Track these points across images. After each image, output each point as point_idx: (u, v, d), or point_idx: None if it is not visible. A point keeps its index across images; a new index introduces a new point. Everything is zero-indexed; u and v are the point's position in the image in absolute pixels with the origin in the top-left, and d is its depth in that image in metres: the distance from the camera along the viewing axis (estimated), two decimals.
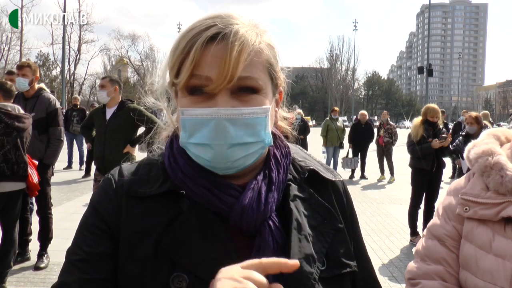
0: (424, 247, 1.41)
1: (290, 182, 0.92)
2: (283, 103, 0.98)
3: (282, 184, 0.90)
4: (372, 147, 12.84)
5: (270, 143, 0.87)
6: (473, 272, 1.28)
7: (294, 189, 0.91)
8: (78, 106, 12.83)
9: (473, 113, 6.60)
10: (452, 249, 1.36)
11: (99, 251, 0.85)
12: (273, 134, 0.93)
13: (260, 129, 0.83)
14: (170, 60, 0.86)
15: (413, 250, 4.89)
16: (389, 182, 11.84)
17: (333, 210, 0.94)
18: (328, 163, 12.04)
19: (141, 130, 5.14)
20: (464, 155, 1.48)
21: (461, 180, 1.48)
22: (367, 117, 12.83)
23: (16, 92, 5.05)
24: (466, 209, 1.34)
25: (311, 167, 0.97)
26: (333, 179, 1.00)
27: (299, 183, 0.93)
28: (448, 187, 1.53)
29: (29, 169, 4.25)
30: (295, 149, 1.01)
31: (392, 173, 12.00)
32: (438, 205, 1.50)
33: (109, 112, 5.00)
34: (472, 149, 1.45)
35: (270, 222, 0.85)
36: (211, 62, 0.79)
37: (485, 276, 1.24)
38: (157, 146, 1.02)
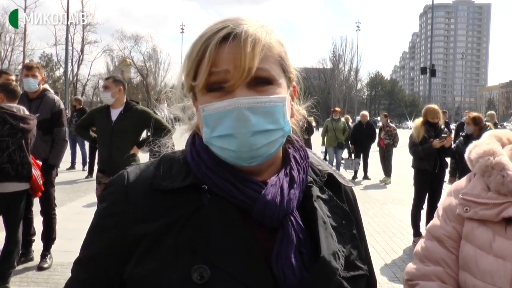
0: (423, 248, 1.40)
1: (312, 184, 0.95)
2: (298, 98, 1.02)
3: (302, 184, 0.93)
4: (375, 148, 12.81)
5: (290, 132, 0.90)
6: (473, 273, 1.27)
7: (316, 191, 0.95)
8: (77, 107, 12.69)
9: (472, 114, 6.57)
10: (451, 250, 1.35)
11: (105, 251, 0.89)
12: (291, 137, 0.99)
13: (279, 117, 0.87)
14: (186, 66, 0.90)
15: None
16: (385, 182, 11.80)
17: (350, 214, 0.97)
18: (330, 163, 12.01)
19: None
20: (465, 155, 1.48)
21: (462, 181, 1.47)
22: (368, 118, 12.78)
23: (21, 93, 5.07)
24: (466, 209, 1.34)
25: (329, 171, 1.01)
26: (346, 185, 1.04)
27: (320, 185, 0.97)
28: (449, 188, 1.52)
29: (33, 170, 4.27)
30: (310, 154, 1.04)
31: (389, 175, 11.98)
32: (439, 206, 1.49)
33: (114, 113, 4.91)
34: (473, 149, 1.45)
35: (292, 218, 0.88)
36: (227, 58, 0.83)
37: (485, 277, 1.24)
38: (160, 145, 1.05)
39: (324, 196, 0.95)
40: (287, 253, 0.83)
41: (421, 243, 1.44)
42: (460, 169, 6.22)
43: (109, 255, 0.88)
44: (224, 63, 0.83)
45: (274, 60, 0.88)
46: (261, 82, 0.85)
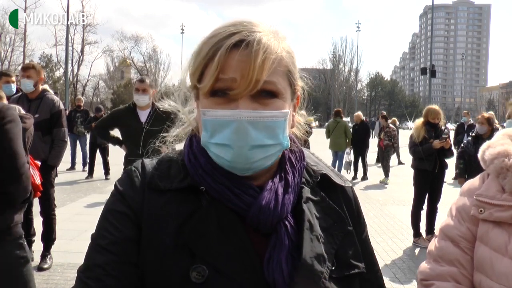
0: (438, 248, 1.39)
1: (303, 185, 0.95)
2: (300, 108, 1.02)
3: (297, 187, 0.93)
4: (374, 148, 12.80)
5: (287, 146, 0.90)
6: (488, 275, 1.26)
7: (307, 192, 0.94)
8: (82, 107, 12.92)
9: (486, 114, 6.58)
10: (466, 250, 1.34)
11: (128, 236, 0.86)
12: (289, 138, 0.97)
13: (279, 132, 0.86)
14: (192, 64, 0.89)
15: (416, 251, 4.85)
16: (384, 183, 11.80)
17: (342, 214, 0.97)
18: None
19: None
20: (479, 155, 1.46)
21: (475, 181, 1.45)
22: (361, 118, 12.67)
23: (20, 93, 5.07)
24: (481, 210, 1.32)
25: (323, 172, 1.00)
26: (343, 185, 1.03)
27: (312, 186, 0.97)
28: (461, 188, 1.51)
29: (31, 169, 4.25)
30: (307, 154, 1.04)
31: (387, 175, 11.99)
32: (451, 205, 1.48)
33: (143, 114, 4.93)
34: (487, 149, 1.43)
35: (286, 222, 0.88)
36: (236, 66, 0.82)
37: (501, 279, 1.22)
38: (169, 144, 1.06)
39: (315, 197, 0.95)
40: (279, 258, 0.84)
41: (434, 242, 1.43)
42: (469, 170, 6.17)
43: (129, 246, 0.86)
44: (232, 71, 0.82)
45: (282, 73, 0.87)
46: (266, 94, 0.85)
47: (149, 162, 0.96)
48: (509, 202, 1.28)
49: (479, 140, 6.06)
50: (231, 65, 0.82)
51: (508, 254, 1.23)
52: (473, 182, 1.46)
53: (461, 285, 1.31)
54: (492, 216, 1.29)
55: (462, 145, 6.28)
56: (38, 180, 4.39)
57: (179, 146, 1.04)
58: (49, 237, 4.94)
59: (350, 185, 1.06)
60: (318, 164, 1.03)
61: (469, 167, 6.19)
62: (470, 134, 6.85)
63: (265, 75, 0.82)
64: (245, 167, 0.85)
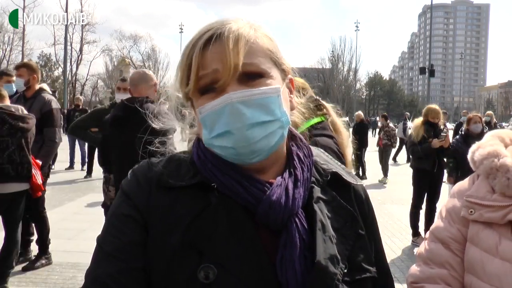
0: (428, 250, 1.38)
1: (313, 185, 0.93)
2: (298, 91, 1.02)
3: (307, 182, 0.92)
4: (373, 148, 12.81)
5: (288, 123, 0.90)
6: (479, 276, 1.25)
7: (317, 191, 0.92)
8: (81, 107, 12.87)
9: (474, 113, 6.66)
10: (456, 252, 1.33)
11: (134, 240, 0.85)
12: (294, 135, 0.97)
13: (274, 108, 0.86)
14: (178, 74, 0.91)
15: (415, 251, 4.83)
16: (383, 182, 11.82)
17: (354, 213, 0.95)
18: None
19: None
20: (468, 156, 1.45)
21: (465, 182, 1.45)
22: (361, 117, 12.85)
23: (18, 94, 5.06)
24: (471, 211, 1.32)
25: (334, 170, 0.98)
26: (355, 183, 1.01)
27: (322, 185, 0.95)
28: (451, 189, 1.50)
29: (33, 169, 4.25)
30: (317, 152, 1.02)
31: (385, 174, 12.01)
32: (441, 207, 1.47)
33: None
34: (477, 150, 1.42)
35: (297, 219, 0.86)
36: (213, 58, 0.84)
37: (492, 281, 1.22)
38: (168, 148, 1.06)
39: (326, 197, 0.93)
40: (292, 258, 0.82)
41: (424, 245, 1.41)
42: (461, 168, 6.15)
43: (137, 245, 0.85)
44: (213, 63, 0.84)
45: (262, 53, 0.88)
46: (252, 76, 0.85)
47: (157, 161, 0.94)
48: (499, 203, 1.28)
49: (469, 138, 6.04)
50: (210, 59, 0.84)
51: (499, 255, 1.23)
52: (463, 183, 1.45)
53: (452, 287, 1.30)
54: (482, 217, 1.29)
55: (451, 144, 6.24)
56: (39, 180, 4.39)
57: (181, 148, 1.03)
58: (44, 239, 4.91)
59: (362, 183, 1.03)
60: (328, 163, 1.00)
61: (461, 165, 6.15)
62: (460, 132, 6.83)
63: (242, 57, 0.83)
64: (249, 149, 0.84)
